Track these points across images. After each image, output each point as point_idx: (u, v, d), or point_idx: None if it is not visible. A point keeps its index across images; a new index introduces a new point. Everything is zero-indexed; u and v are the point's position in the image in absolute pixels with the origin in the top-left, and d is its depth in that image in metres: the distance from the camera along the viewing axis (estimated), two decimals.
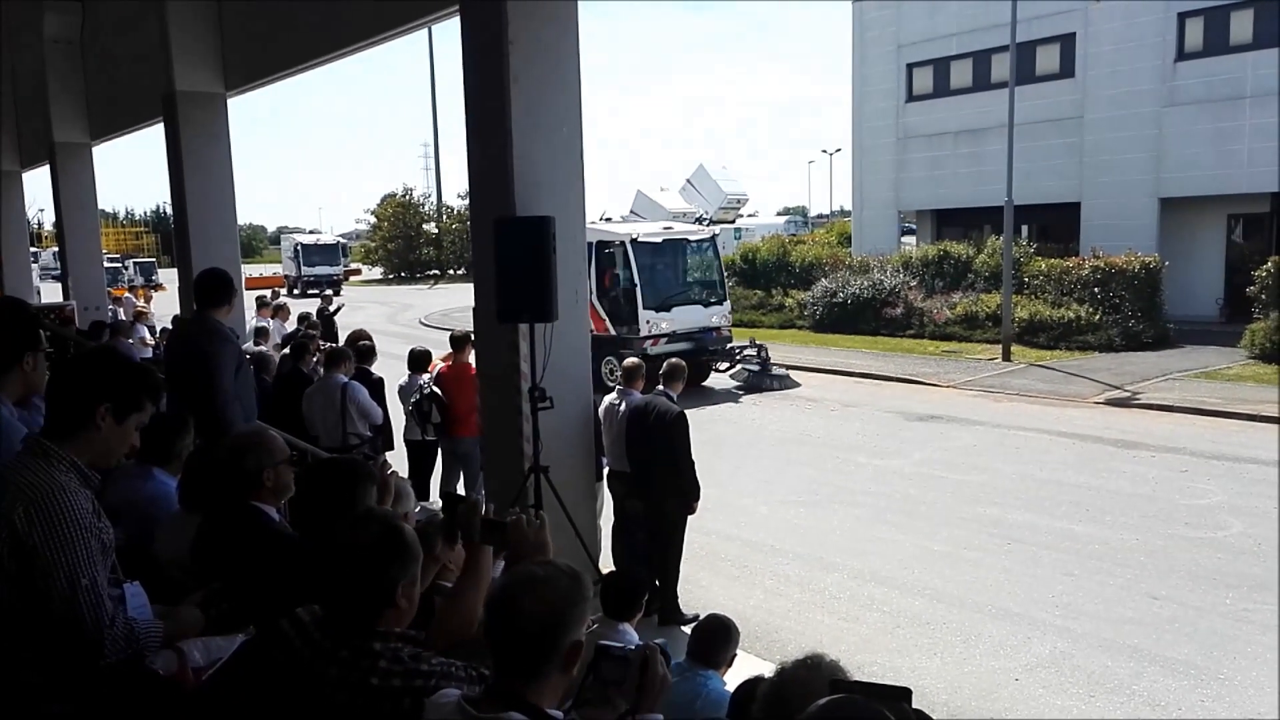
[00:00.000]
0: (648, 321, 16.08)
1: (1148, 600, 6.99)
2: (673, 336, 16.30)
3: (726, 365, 17.24)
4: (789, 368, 17.73)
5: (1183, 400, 14.00)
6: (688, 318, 16.74)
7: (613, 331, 16.38)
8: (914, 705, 2.00)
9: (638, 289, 16.07)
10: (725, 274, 19.03)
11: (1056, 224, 25.17)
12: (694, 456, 6.56)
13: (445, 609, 2.64)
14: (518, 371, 6.15)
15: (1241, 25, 21.70)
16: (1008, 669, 6.00)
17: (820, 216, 72.24)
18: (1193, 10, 22.23)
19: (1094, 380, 16.02)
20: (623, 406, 6.89)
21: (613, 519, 7.25)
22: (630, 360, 7.37)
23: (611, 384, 14.73)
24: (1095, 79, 23.91)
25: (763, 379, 16.79)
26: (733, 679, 3.73)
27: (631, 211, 16.89)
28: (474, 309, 6.41)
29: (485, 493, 7.05)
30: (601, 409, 7.02)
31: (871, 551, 8.24)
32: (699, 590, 7.24)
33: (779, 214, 78.11)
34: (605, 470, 7.08)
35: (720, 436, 12.52)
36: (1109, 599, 7.05)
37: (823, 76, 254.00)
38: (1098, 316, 19.61)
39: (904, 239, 29.97)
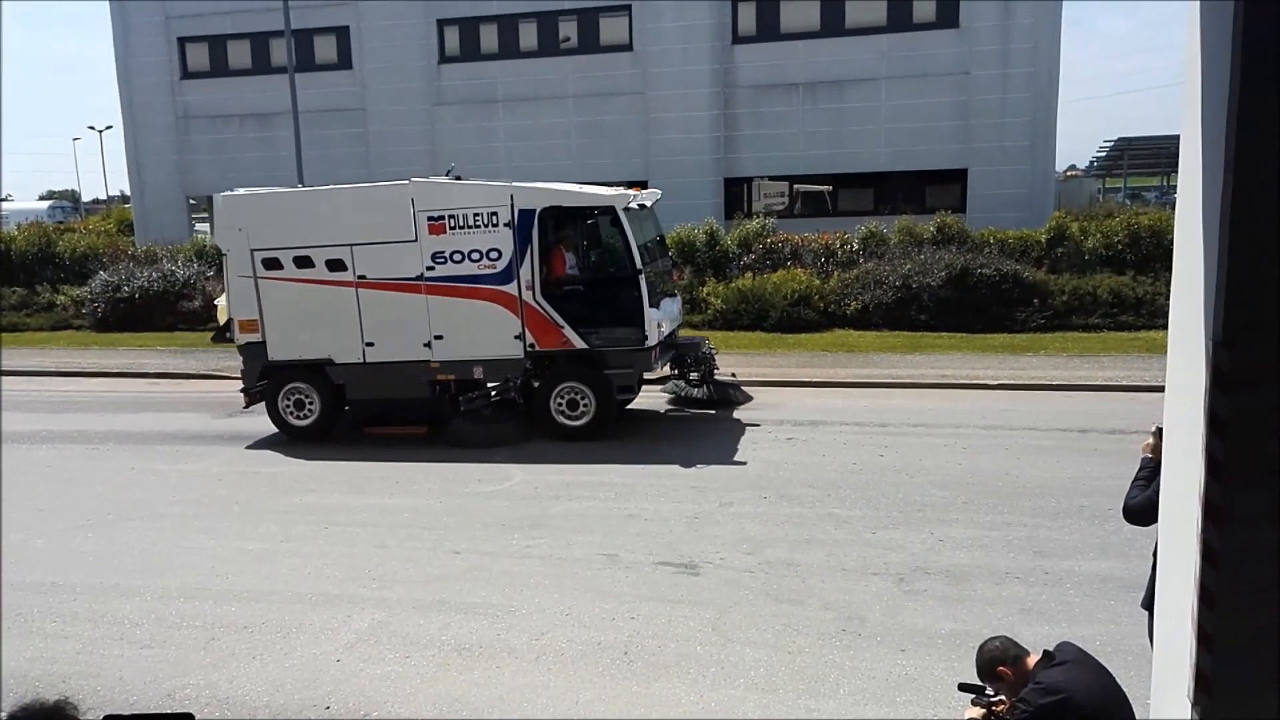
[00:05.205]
0: (659, 325, 10.94)
1: (451, 555, 7.62)
2: (664, 344, 11.42)
3: (698, 375, 12.45)
4: (62, 374, 15.42)
5: None
6: (670, 315, 11.85)
7: (580, 344, 10.80)
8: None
9: (641, 278, 10.58)
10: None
11: None
12: None
13: None
14: None
15: (489, 37, 24.82)
16: (329, 652, 6.01)
17: (97, 202, 64.45)
18: (449, 19, 24.73)
19: None
20: None
21: None
22: None
23: (572, 417, 10.79)
24: (372, 73, 25.21)
25: (726, 390, 12.55)
26: None
27: None
28: None
29: None
30: None
31: (179, 565, 7.57)
32: None
33: (43, 198, 69.09)
34: None
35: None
36: (420, 561, 7.52)
37: (88, 40, 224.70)
38: None
39: (200, 226, 28.20)
